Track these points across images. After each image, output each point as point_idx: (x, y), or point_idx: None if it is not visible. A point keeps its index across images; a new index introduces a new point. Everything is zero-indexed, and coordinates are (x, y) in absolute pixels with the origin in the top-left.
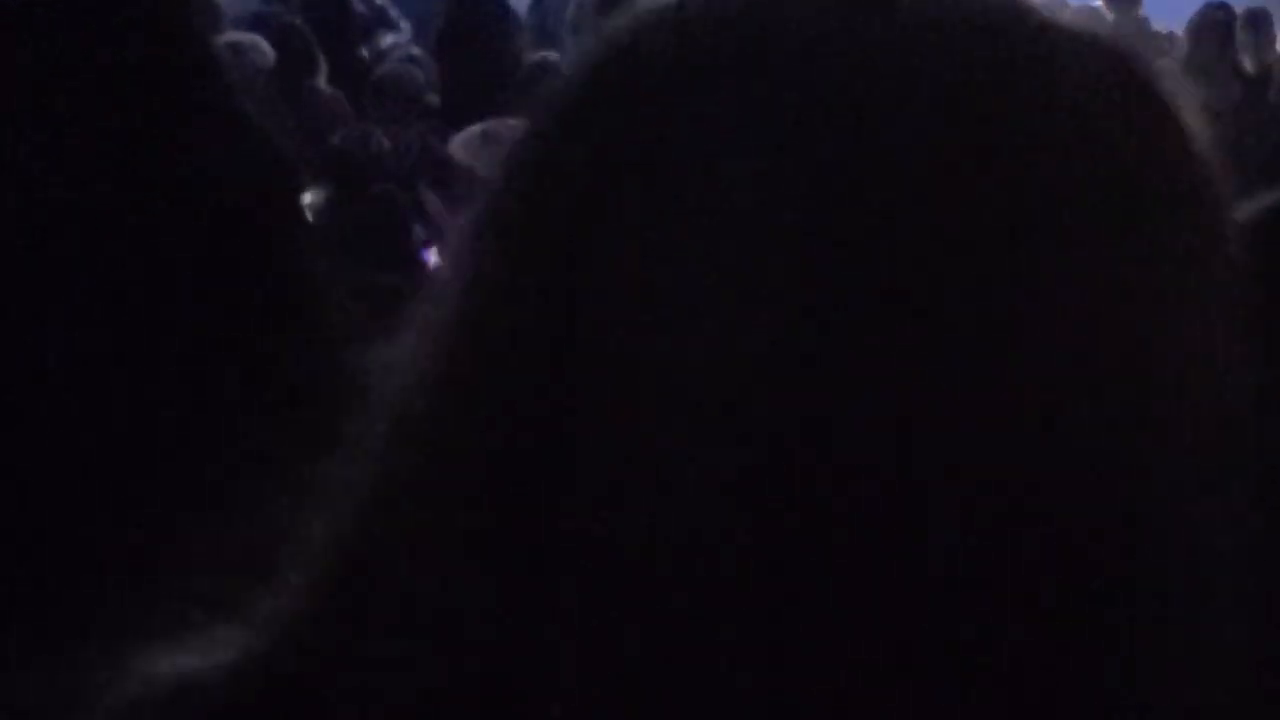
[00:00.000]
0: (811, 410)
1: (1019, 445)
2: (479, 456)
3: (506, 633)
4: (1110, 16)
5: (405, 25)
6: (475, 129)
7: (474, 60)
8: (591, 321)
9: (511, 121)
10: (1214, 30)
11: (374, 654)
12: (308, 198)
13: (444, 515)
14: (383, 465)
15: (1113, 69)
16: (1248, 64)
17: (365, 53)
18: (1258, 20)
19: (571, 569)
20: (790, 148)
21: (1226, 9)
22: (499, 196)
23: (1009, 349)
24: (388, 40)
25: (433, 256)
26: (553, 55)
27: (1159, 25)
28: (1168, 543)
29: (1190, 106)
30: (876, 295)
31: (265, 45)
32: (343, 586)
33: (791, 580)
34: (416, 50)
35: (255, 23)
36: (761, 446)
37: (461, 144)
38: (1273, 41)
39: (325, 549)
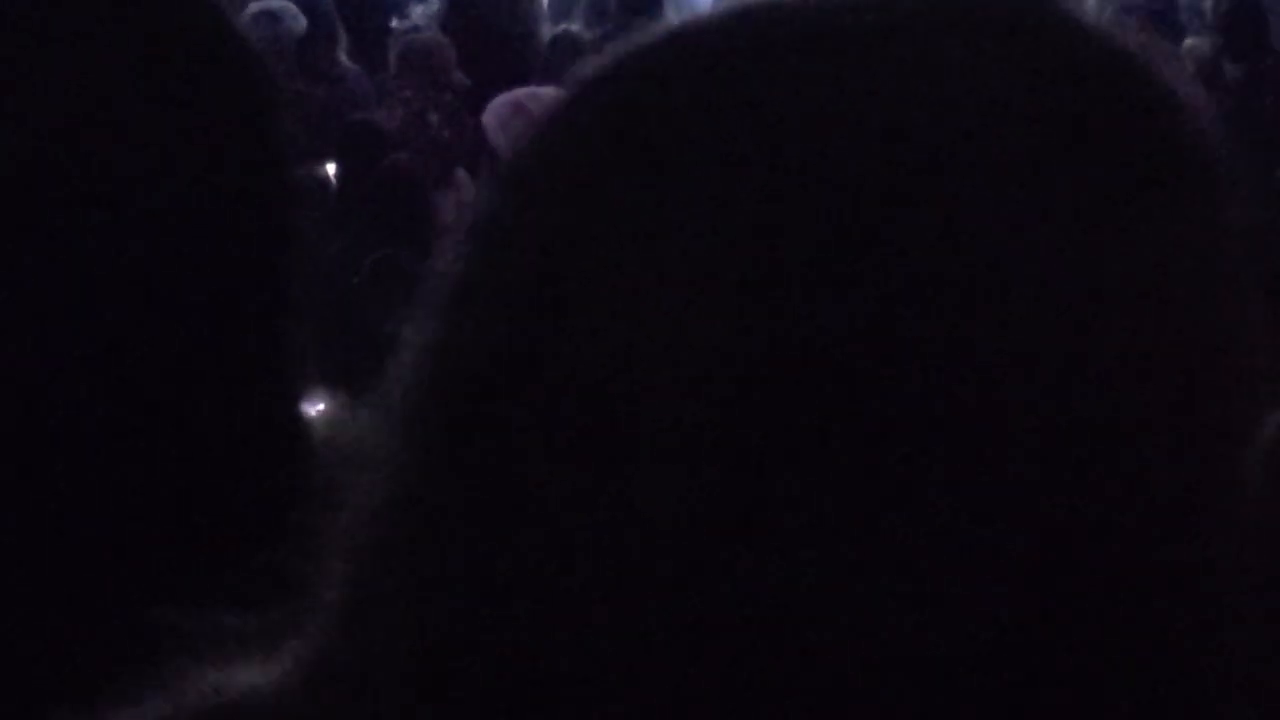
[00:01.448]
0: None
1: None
2: (452, 517)
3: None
4: None
5: None
6: (506, 98)
7: (481, 33)
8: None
9: (540, 90)
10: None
11: (380, 689)
12: (329, 169)
13: (425, 565)
14: (377, 521)
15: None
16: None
17: (395, 23)
18: None
19: (538, 604)
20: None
21: None
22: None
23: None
24: (418, 12)
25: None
26: (574, 27)
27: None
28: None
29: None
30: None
31: (299, 13)
32: (352, 626)
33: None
34: (421, 23)
35: None
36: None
37: (493, 114)
38: None
39: (337, 589)
